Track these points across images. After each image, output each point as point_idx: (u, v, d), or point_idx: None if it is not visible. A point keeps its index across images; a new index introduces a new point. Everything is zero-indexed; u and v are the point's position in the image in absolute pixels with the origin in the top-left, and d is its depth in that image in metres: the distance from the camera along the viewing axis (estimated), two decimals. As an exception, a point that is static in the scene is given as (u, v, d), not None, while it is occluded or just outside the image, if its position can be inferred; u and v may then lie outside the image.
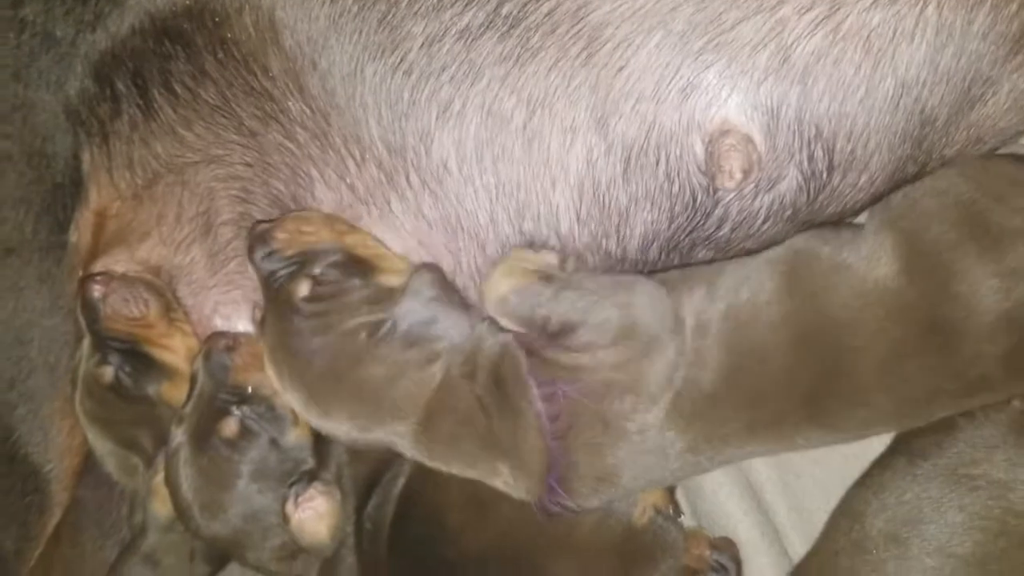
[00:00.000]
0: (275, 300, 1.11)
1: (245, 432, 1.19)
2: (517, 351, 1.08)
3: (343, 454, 1.24)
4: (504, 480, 1.08)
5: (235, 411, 1.19)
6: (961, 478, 1.06)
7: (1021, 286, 1.03)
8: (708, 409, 1.06)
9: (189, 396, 1.22)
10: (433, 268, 1.13)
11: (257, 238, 1.13)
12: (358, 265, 1.11)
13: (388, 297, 1.09)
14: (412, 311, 1.08)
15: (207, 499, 1.19)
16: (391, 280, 1.12)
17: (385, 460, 1.24)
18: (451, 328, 1.09)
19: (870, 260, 1.07)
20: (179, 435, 1.19)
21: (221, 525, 1.20)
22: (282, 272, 1.11)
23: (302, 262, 1.11)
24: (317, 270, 1.10)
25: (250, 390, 1.20)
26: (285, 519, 1.18)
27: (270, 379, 1.20)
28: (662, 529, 1.18)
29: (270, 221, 1.16)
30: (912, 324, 1.05)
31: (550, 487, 1.07)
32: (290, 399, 1.11)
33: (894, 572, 1.06)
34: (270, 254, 1.12)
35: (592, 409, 1.05)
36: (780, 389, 1.06)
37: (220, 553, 1.27)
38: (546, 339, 1.08)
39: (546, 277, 1.09)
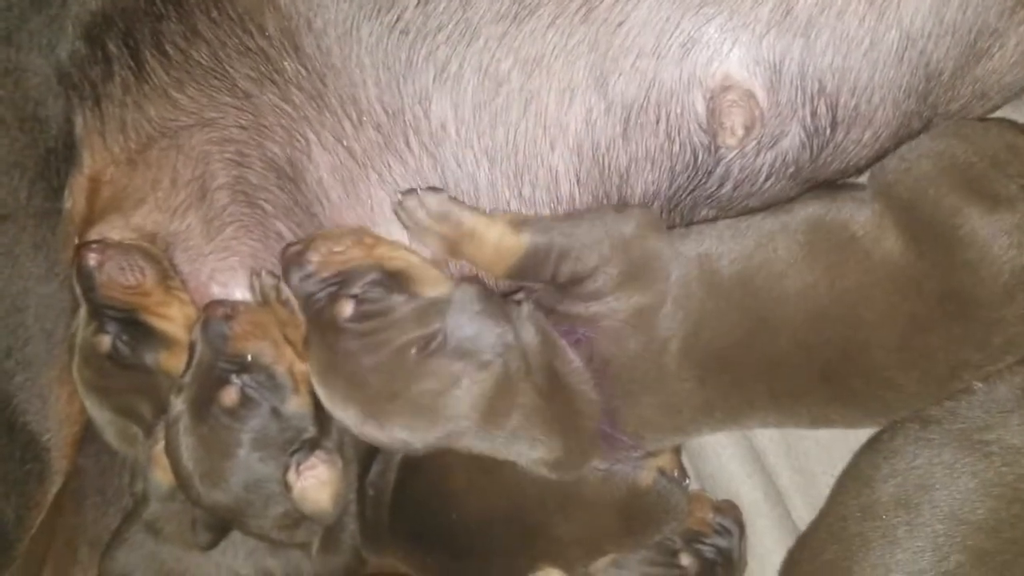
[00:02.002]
0: (318, 322, 1.10)
1: (245, 401, 1.17)
2: (549, 329, 1.10)
3: (343, 420, 1.24)
4: (556, 456, 1.10)
5: (235, 380, 1.17)
6: (975, 444, 1.05)
7: None
8: (722, 367, 1.07)
9: (188, 365, 1.20)
10: (475, 281, 1.14)
11: (291, 260, 1.12)
12: (395, 279, 1.11)
13: (434, 310, 1.09)
14: (460, 325, 1.07)
15: (208, 468, 1.18)
16: (431, 291, 1.11)
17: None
18: (498, 337, 1.08)
19: (875, 234, 1.06)
20: (178, 404, 1.18)
21: (222, 494, 1.19)
22: (321, 294, 1.10)
23: (340, 282, 1.10)
24: (356, 290, 1.09)
25: (249, 358, 1.19)
26: (287, 487, 1.17)
27: (270, 349, 1.20)
28: (666, 491, 1.18)
29: (299, 242, 1.15)
30: (925, 297, 1.04)
31: (606, 435, 1.09)
32: (343, 417, 1.10)
33: (904, 538, 1.05)
34: (307, 276, 1.11)
35: (617, 352, 1.07)
36: (796, 361, 1.07)
37: (222, 522, 1.26)
38: (560, 291, 1.10)
39: (538, 226, 1.11)
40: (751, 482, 1.27)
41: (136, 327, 1.24)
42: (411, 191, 1.13)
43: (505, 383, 1.06)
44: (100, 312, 1.23)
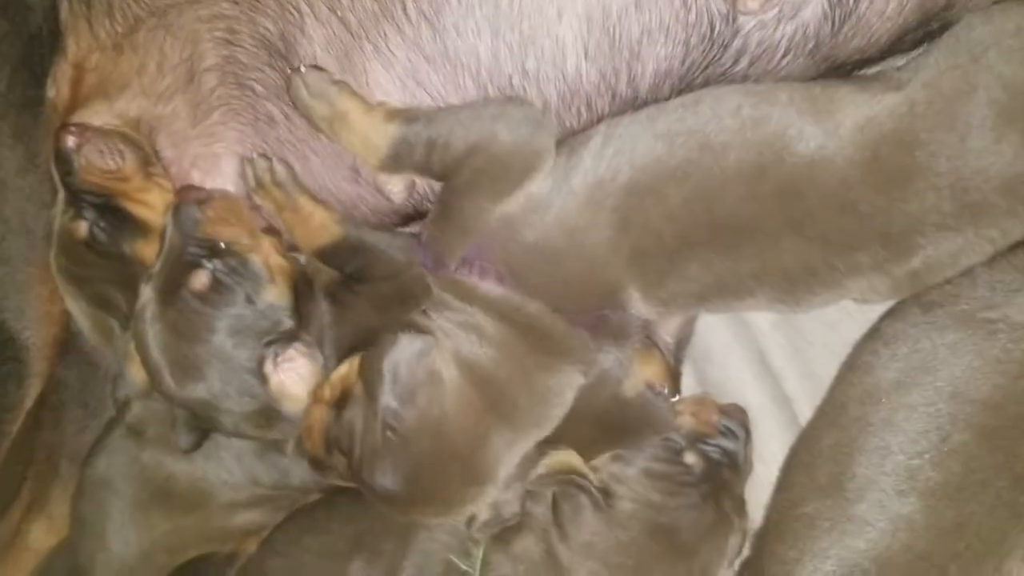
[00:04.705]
0: None
1: (217, 286, 1.13)
2: (456, 293, 1.08)
3: (326, 315, 1.19)
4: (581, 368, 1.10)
5: (206, 264, 1.13)
6: (979, 322, 1.03)
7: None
8: (650, 203, 1.05)
9: (159, 253, 1.16)
10: None
11: None
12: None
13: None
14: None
15: (177, 355, 1.13)
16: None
17: (369, 327, 1.17)
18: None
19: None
20: (147, 292, 1.14)
21: (194, 384, 1.14)
22: None
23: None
24: None
25: (223, 245, 1.15)
26: (263, 379, 1.13)
27: (246, 236, 1.16)
28: (650, 405, 1.14)
29: None
30: (923, 140, 1.00)
31: (581, 322, 1.08)
32: None
33: (904, 420, 1.03)
34: None
35: (518, 248, 1.07)
36: (741, 192, 1.03)
37: (202, 422, 1.21)
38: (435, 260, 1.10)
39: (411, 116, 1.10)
40: (758, 386, 1.25)
41: (114, 213, 1.20)
42: (296, 69, 1.11)
43: (473, 368, 1.05)
44: (78, 197, 1.19)
